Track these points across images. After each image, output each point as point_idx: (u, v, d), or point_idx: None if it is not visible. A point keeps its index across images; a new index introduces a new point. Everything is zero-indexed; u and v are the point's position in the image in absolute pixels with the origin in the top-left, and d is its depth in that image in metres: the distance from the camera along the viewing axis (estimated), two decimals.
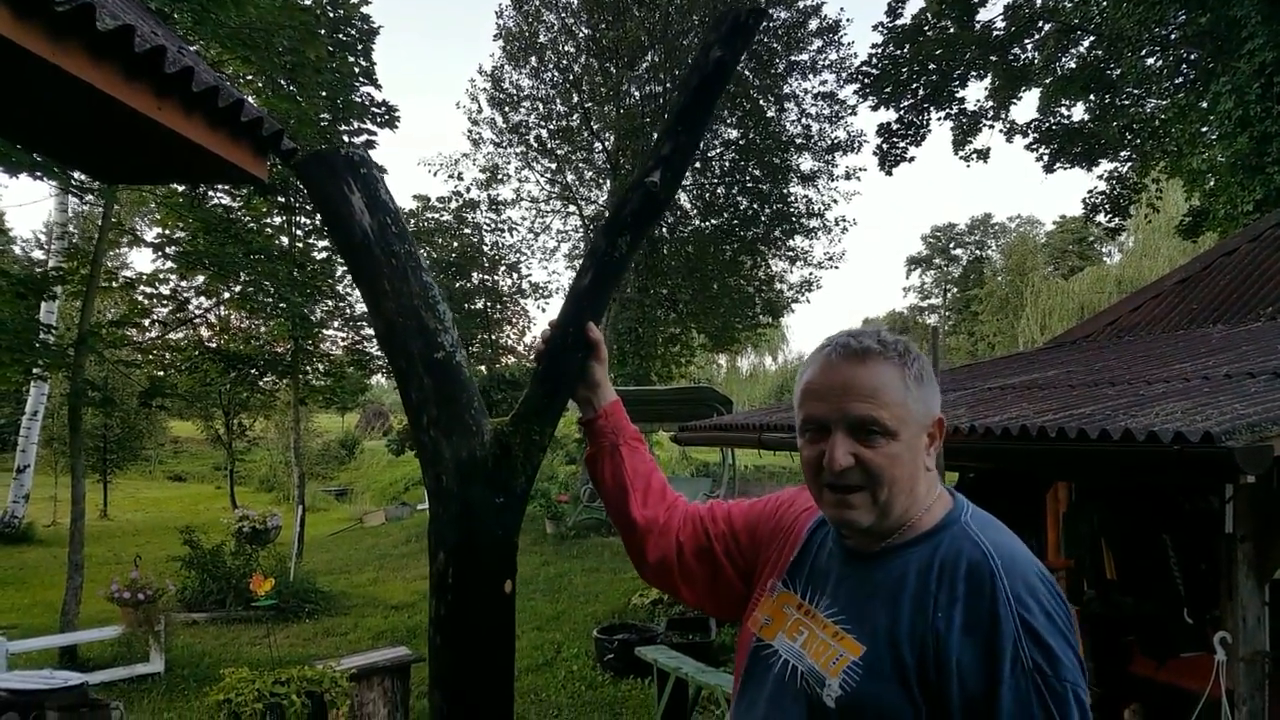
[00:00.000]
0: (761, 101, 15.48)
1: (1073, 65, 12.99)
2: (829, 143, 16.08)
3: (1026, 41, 13.26)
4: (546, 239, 18.15)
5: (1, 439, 18.69)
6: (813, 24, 15.41)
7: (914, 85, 13.58)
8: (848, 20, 22.82)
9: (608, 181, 15.90)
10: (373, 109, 10.16)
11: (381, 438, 26.76)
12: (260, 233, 9.69)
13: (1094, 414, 2.75)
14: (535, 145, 16.42)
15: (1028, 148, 14.27)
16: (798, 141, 16.07)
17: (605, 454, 1.29)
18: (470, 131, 16.76)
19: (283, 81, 8.05)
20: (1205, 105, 9.77)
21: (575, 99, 15.77)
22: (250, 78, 8.11)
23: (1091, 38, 12.43)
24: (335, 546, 12.45)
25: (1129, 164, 14.15)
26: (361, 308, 10.81)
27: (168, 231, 9.22)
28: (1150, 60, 11.74)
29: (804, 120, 16.09)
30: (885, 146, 14.28)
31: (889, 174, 14.68)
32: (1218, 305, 5.26)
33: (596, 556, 10.17)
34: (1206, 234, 11.89)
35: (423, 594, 7.63)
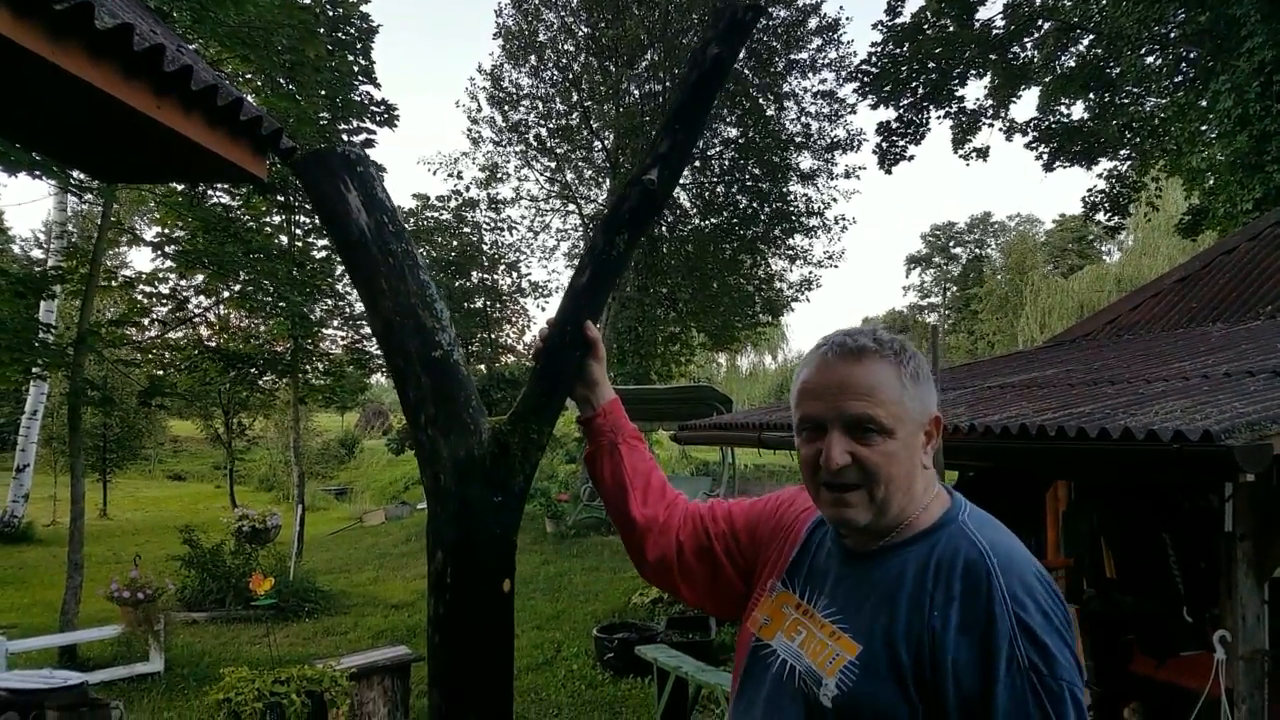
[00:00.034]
0: (761, 100, 15.47)
1: (1072, 64, 12.99)
2: (828, 141, 16.08)
3: (1026, 40, 13.25)
4: (546, 238, 18.18)
5: (1, 438, 18.69)
6: (812, 22, 15.41)
7: (913, 84, 13.58)
8: (847, 19, 22.80)
9: (607, 180, 15.89)
10: (372, 108, 10.15)
11: (381, 437, 26.77)
12: (259, 232, 9.68)
13: (1093, 413, 2.75)
14: (535, 144, 16.41)
15: (1027, 146, 14.27)
16: (797, 140, 16.06)
17: (604, 452, 1.29)
18: (470, 130, 16.78)
19: (282, 80, 8.04)
20: (1205, 104, 9.77)
21: (575, 97, 15.76)
22: (249, 76, 8.10)
23: (1091, 36, 12.43)
24: (335, 546, 12.46)
25: (1128, 162, 14.15)
26: (361, 306, 10.77)
27: (167, 230, 9.21)
28: (1150, 59, 11.74)
29: (803, 119, 16.09)
30: (885, 145, 14.28)
31: (888, 173, 14.69)
32: (1217, 304, 5.26)
33: (596, 555, 10.17)
34: (1206, 232, 11.89)
35: (422, 593, 7.58)
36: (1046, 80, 13.26)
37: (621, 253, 1.28)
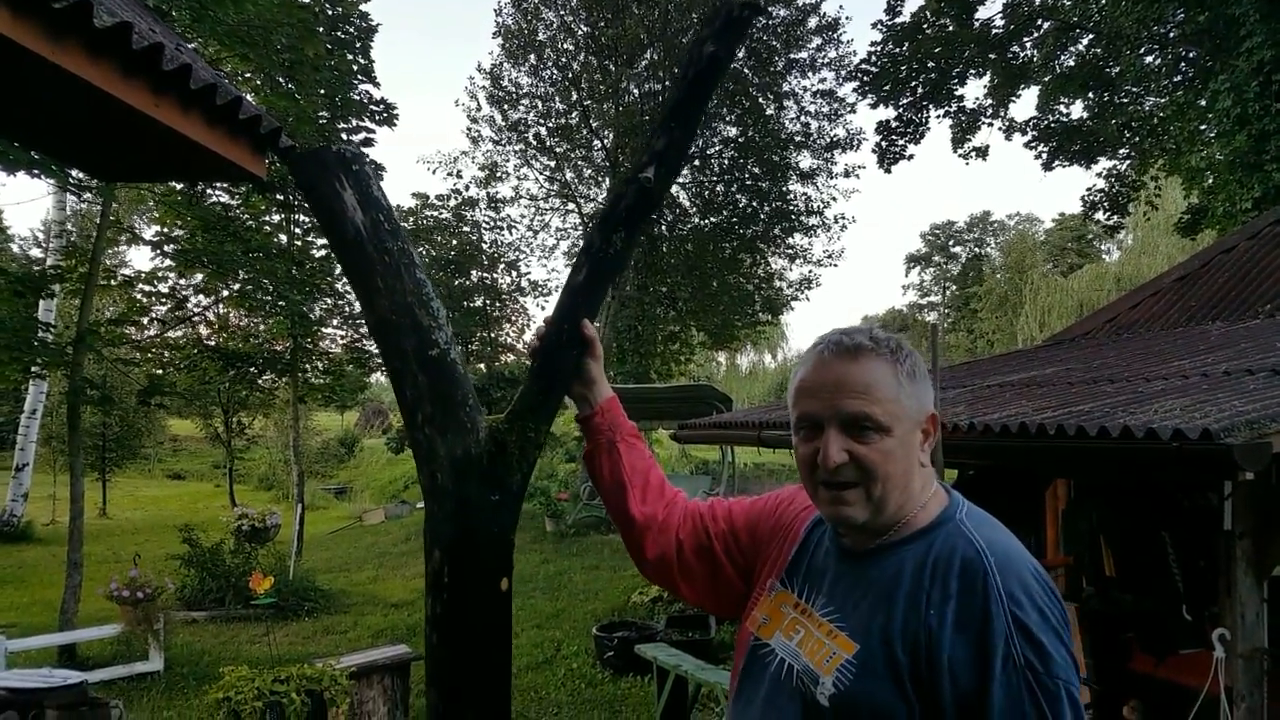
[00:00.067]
0: (761, 99, 15.47)
1: (1072, 63, 12.99)
2: (828, 140, 16.07)
3: (1025, 39, 13.25)
4: (545, 237, 18.18)
5: (0, 437, 18.68)
6: (812, 22, 15.40)
7: (913, 83, 13.58)
8: (847, 18, 22.76)
9: (607, 179, 15.89)
10: (371, 107, 10.14)
11: (381, 436, 26.77)
12: (259, 230, 9.67)
13: (1093, 411, 2.75)
14: (534, 143, 16.40)
15: (1027, 145, 14.27)
16: (797, 139, 16.06)
17: (603, 451, 1.29)
18: (469, 129, 16.76)
19: (281, 79, 8.03)
20: (1204, 103, 9.77)
21: (574, 96, 15.75)
22: (248, 75, 8.09)
23: (1090, 36, 12.43)
24: (334, 545, 12.46)
25: (1128, 162, 14.15)
26: (360, 305, 10.77)
27: (166, 229, 9.20)
28: (1149, 58, 11.74)
29: (803, 118, 16.09)
30: (884, 144, 14.28)
31: (888, 172, 14.69)
32: (1216, 302, 5.26)
33: (596, 554, 10.17)
34: (1205, 231, 11.90)
35: (422, 592, 7.57)
36: (1046, 80, 13.26)
37: (618, 251, 1.28)
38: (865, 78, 13.76)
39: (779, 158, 15.83)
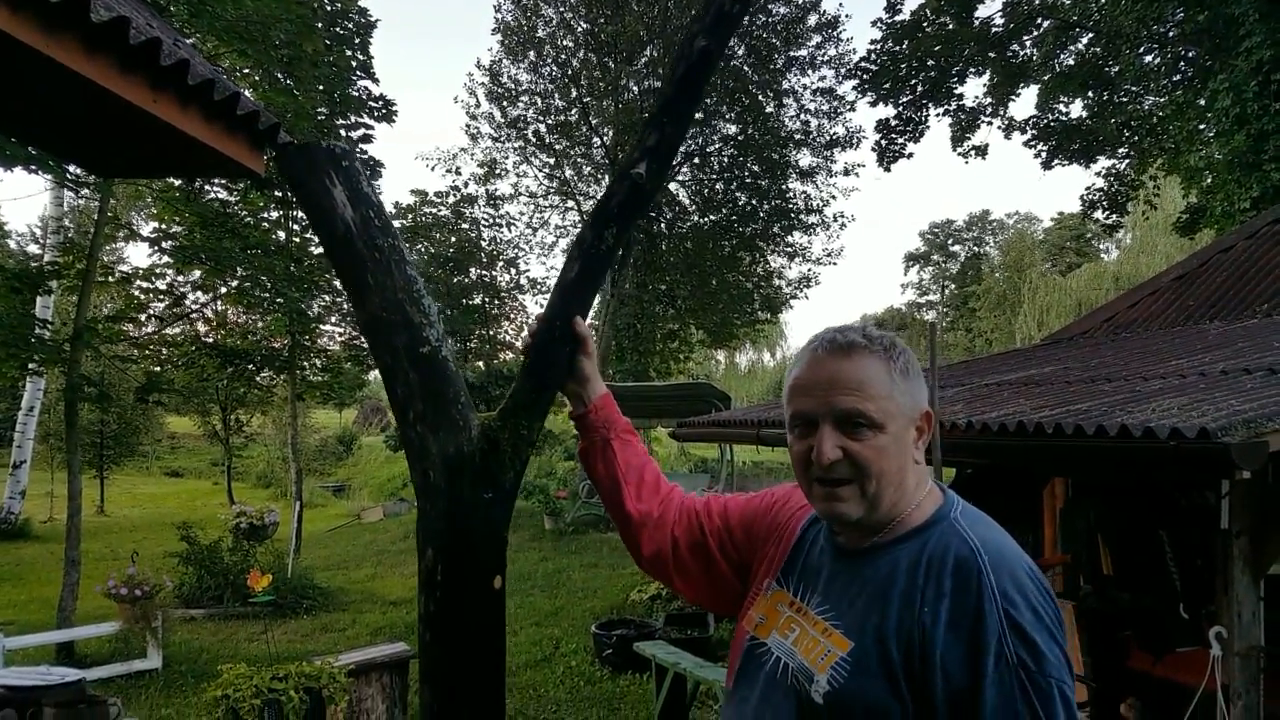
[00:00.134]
0: (760, 97, 15.46)
1: (1071, 62, 12.99)
2: (828, 138, 16.07)
3: (1025, 38, 13.25)
4: (545, 234, 18.16)
5: None
6: (811, 19, 15.40)
7: (913, 81, 13.57)
8: (846, 16, 22.80)
9: (606, 177, 15.88)
10: (370, 103, 10.12)
11: (379, 433, 26.75)
12: (257, 227, 9.65)
13: (1091, 410, 2.75)
14: (533, 140, 16.39)
15: (1026, 144, 14.27)
16: (796, 137, 16.06)
17: (597, 448, 1.29)
18: (468, 126, 16.74)
19: (280, 75, 8.01)
20: (1203, 103, 9.77)
21: (574, 94, 15.73)
22: (247, 71, 8.07)
23: (1090, 35, 12.42)
24: (333, 542, 12.45)
25: (1127, 161, 14.16)
26: None
27: (164, 226, 9.18)
28: (1148, 57, 11.75)
29: (803, 116, 16.09)
30: (884, 142, 14.28)
31: (887, 170, 14.68)
32: (1214, 302, 5.27)
33: (595, 552, 10.18)
34: (1204, 231, 11.91)
35: None
36: (1045, 78, 13.26)
37: (610, 247, 1.28)
38: (865, 76, 13.75)
39: (778, 155, 15.82)
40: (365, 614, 7.52)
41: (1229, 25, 9.03)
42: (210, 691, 3.80)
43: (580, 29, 15.42)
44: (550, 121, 16.16)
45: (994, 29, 13.04)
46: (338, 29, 9.74)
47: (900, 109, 13.89)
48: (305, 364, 10.62)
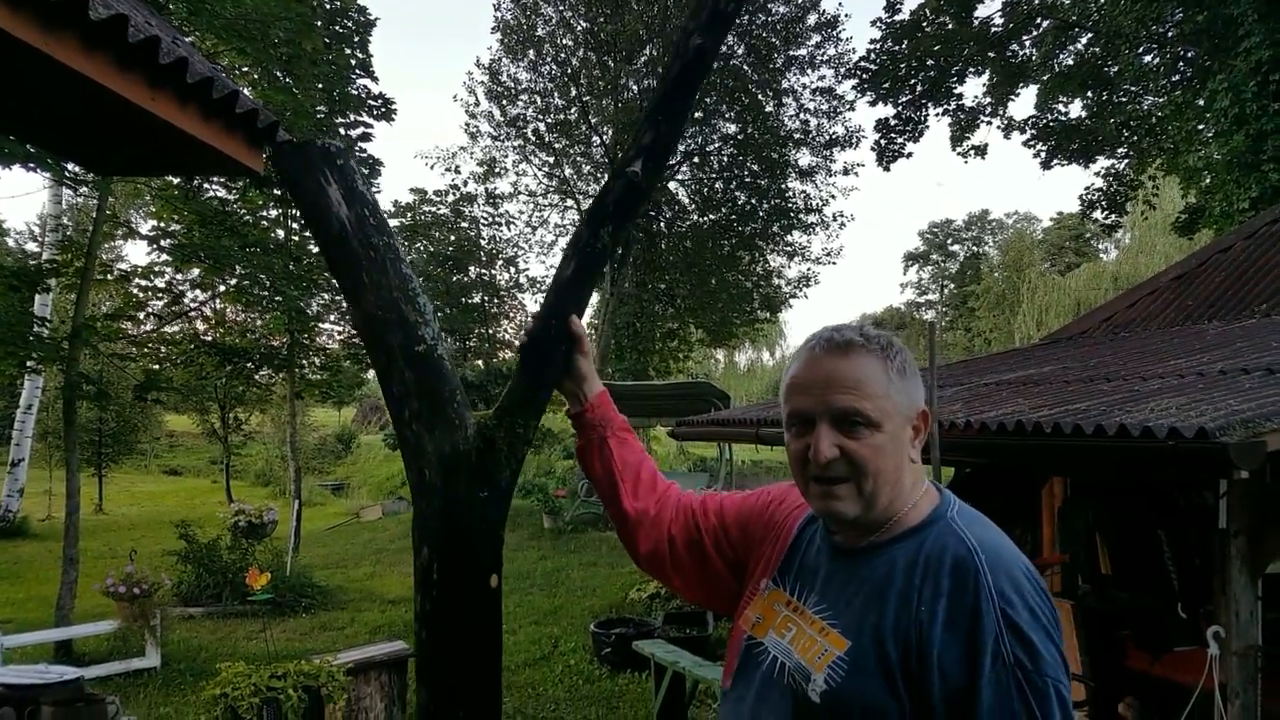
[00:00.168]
0: (760, 96, 15.46)
1: (1070, 62, 12.99)
2: (827, 138, 16.08)
3: (1025, 38, 13.25)
4: (544, 233, 18.16)
5: None
6: (811, 19, 15.40)
7: (912, 81, 13.57)
8: (846, 15, 22.80)
9: (605, 175, 15.86)
10: (369, 101, 10.12)
11: (378, 432, 26.72)
12: (256, 225, 9.65)
13: (1089, 409, 2.75)
14: (533, 138, 16.38)
15: (1025, 144, 14.28)
16: (796, 137, 16.06)
17: (594, 447, 1.29)
18: (467, 124, 16.74)
19: (279, 73, 8.00)
20: (1202, 103, 9.78)
21: (573, 92, 15.72)
22: (246, 69, 8.06)
23: (1089, 35, 12.43)
24: (332, 541, 12.45)
25: (1126, 161, 14.17)
26: None
27: (163, 224, 9.18)
28: (1148, 58, 11.75)
29: (802, 115, 16.09)
30: (883, 142, 14.28)
31: (887, 170, 14.68)
32: (1213, 302, 5.28)
33: (594, 551, 10.18)
34: (1202, 231, 11.92)
35: None
36: (1045, 78, 13.26)
37: (606, 245, 1.28)
38: (864, 75, 13.75)
39: (778, 155, 15.82)
40: (364, 612, 7.52)
41: (1228, 26, 9.04)
42: (209, 690, 3.80)
43: (580, 28, 15.41)
44: (550, 120, 16.16)
45: (993, 29, 13.04)
46: (337, 27, 9.74)
47: (899, 108, 13.89)
48: (304, 362, 10.63)
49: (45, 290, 8.52)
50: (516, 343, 19.99)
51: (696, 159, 16.01)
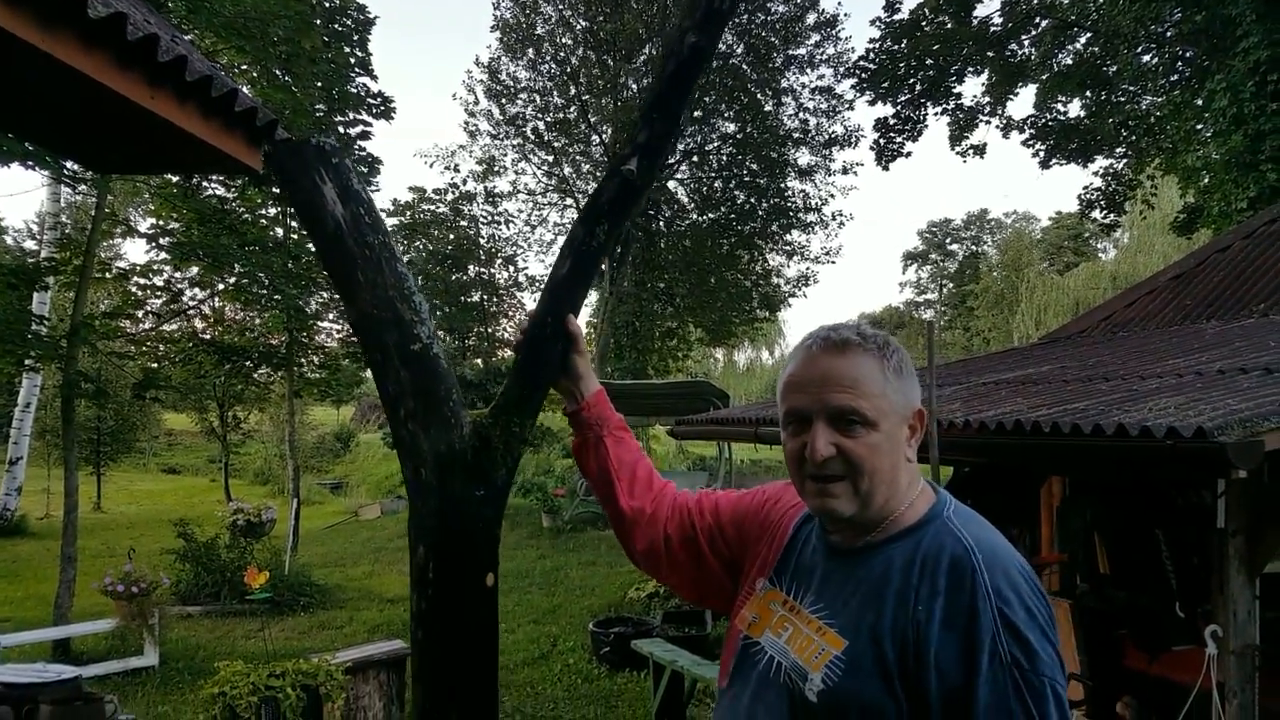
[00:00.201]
0: (759, 95, 15.46)
1: (1069, 62, 13.00)
2: (826, 137, 16.08)
3: (1023, 37, 13.26)
4: (543, 232, 18.16)
5: None
6: (810, 18, 15.40)
7: (911, 80, 13.57)
8: (845, 15, 22.84)
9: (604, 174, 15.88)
10: (368, 100, 10.10)
11: (377, 431, 26.68)
12: (255, 224, 9.63)
13: (1088, 409, 2.76)
14: (532, 137, 16.37)
15: (1024, 143, 14.29)
16: (795, 136, 16.06)
17: (590, 445, 1.29)
18: (466, 123, 16.75)
19: (278, 72, 7.99)
20: (1200, 103, 9.79)
21: (572, 91, 15.72)
22: (244, 67, 8.05)
23: (1088, 34, 12.43)
24: (330, 540, 12.44)
25: (1124, 160, 14.18)
26: None
27: (161, 222, 9.16)
28: (1146, 57, 11.76)
29: (801, 114, 16.09)
30: (882, 141, 14.28)
31: (886, 169, 14.68)
32: (1211, 301, 5.28)
33: (593, 550, 10.18)
34: (1201, 231, 11.93)
35: None
36: (1044, 78, 13.27)
37: (601, 244, 1.28)
38: (863, 74, 13.75)
39: (777, 154, 15.83)
40: (362, 611, 7.52)
41: (1226, 26, 9.04)
42: (207, 689, 3.80)
43: (579, 27, 15.41)
44: (549, 119, 16.15)
45: (992, 28, 13.04)
46: (336, 26, 9.73)
47: (899, 108, 13.89)
48: (303, 361, 10.61)
49: (44, 288, 8.50)
50: (514, 341, 19.98)
51: (695, 158, 16.01)
